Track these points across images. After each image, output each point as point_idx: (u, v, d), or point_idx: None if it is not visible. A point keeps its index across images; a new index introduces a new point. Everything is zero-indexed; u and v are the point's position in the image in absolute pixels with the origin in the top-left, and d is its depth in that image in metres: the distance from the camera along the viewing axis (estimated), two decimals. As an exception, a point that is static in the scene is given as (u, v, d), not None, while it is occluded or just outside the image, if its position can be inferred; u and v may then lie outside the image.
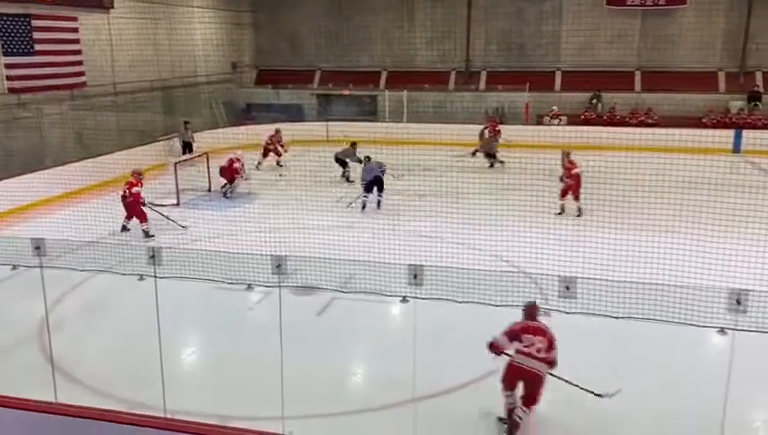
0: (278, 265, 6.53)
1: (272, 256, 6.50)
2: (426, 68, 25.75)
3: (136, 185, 12.35)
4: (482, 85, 25.40)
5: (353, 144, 17.07)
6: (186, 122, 20.52)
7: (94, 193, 14.47)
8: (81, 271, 9.74)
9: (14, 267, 10.02)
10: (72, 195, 14.25)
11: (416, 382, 5.85)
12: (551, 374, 6.17)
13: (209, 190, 15.78)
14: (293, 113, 24.54)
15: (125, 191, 12.29)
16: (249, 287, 9.60)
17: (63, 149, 17.08)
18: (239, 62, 26.96)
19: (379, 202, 14.17)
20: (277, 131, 19.24)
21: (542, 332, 6.09)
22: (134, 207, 12.23)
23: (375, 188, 14.18)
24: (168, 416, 5.40)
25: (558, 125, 22.98)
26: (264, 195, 15.39)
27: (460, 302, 8.17)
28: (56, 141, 17.24)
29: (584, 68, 24.22)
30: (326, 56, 26.76)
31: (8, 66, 15.97)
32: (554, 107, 23.54)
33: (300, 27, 26.69)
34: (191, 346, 8.67)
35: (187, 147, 19.83)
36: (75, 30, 17.71)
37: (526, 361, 6.01)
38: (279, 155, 19.08)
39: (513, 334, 6.13)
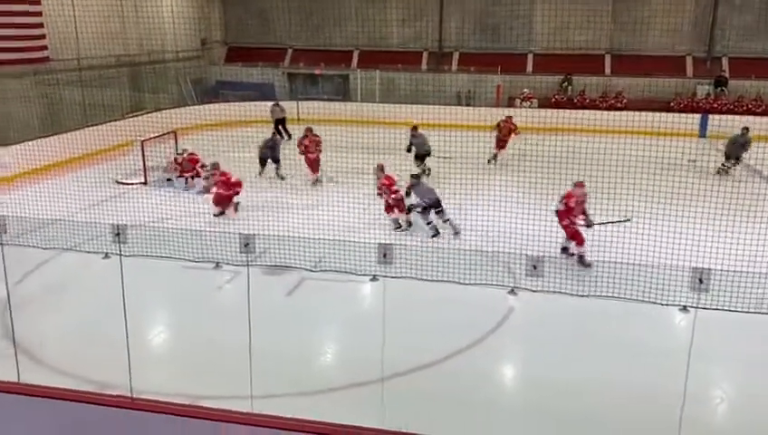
0: (246, 244, 6.48)
1: (240, 234, 6.44)
2: (399, 48, 25.59)
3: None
4: (454, 66, 25.36)
5: (415, 127, 15.60)
6: (276, 103, 20.63)
7: (59, 170, 14.13)
8: (45, 249, 9.54)
9: None
10: (36, 172, 13.90)
11: (384, 361, 5.88)
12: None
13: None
14: (265, 92, 24.23)
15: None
16: (217, 266, 9.51)
17: (27, 125, 16.60)
18: (208, 38, 26.46)
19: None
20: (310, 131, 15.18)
21: None
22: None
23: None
24: (135, 396, 5.34)
25: (529, 108, 23.09)
26: (233, 174, 15.18)
27: (429, 280, 8.22)
28: (19, 118, 16.74)
29: (556, 51, 24.32)
30: (297, 34, 26.38)
31: (-34, 39, 15.43)
32: (526, 89, 23.63)
33: (270, 3, 26.22)
34: (158, 326, 8.58)
35: (280, 123, 19.74)
36: (37, 2, 17.15)
37: None
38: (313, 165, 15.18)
39: None
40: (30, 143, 14.82)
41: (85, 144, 14.92)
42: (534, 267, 5.73)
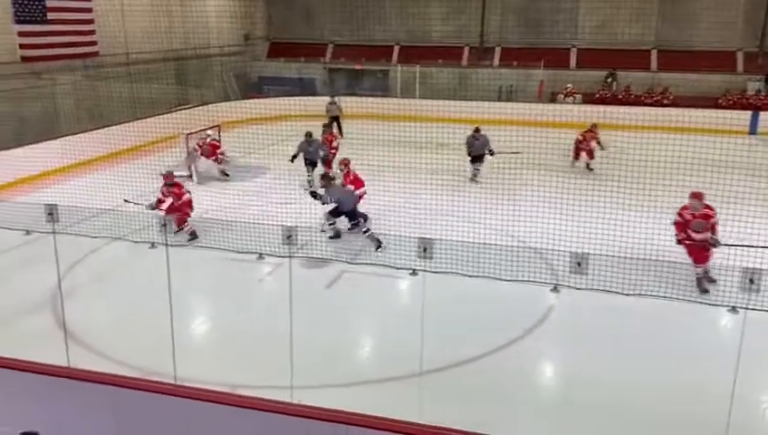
0: (288, 236, 6.56)
1: (282, 226, 6.51)
2: (440, 43, 25.47)
3: None
4: (496, 61, 25.11)
5: (477, 129, 14.75)
6: (332, 96, 20.71)
7: (107, 162, 14.52)
8: (94, 238, 9.81)
9: (28, 233, 10.11)
10: (85, 164, 14.31)
11: (423, 356, 5.87)
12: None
13: (224, 171, 15.66)
14: (305, 87, 24.41)
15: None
16: (260, 257, 9.64)
17: (77, 119, 17.11)
18: (252, 34, 26.78)
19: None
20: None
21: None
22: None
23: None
24: (178, 383, 5.46)
25: (572, 103, 22.73)
26: (275, 168, 15.36)
27: (470, 276, 8.16)
28: (69, 111, 17.27)
29: (601, 46, 23.85)
30: (339, 30, 26.50)
31: (21, 34, 15.95)
32: (569, 85, 23.26)
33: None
34: (202, 315, 8.75)
35: (335, 121, 19.73)
36: (89, -2, 17.65)
37: None
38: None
39: None
40: (80, 136, 15.27)
41: (132, 137, 15.27)
42: (579, 264, 5.63)
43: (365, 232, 10.27)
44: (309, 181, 13.74)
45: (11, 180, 12.71)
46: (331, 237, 10.65)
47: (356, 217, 10.39)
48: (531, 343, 7.67)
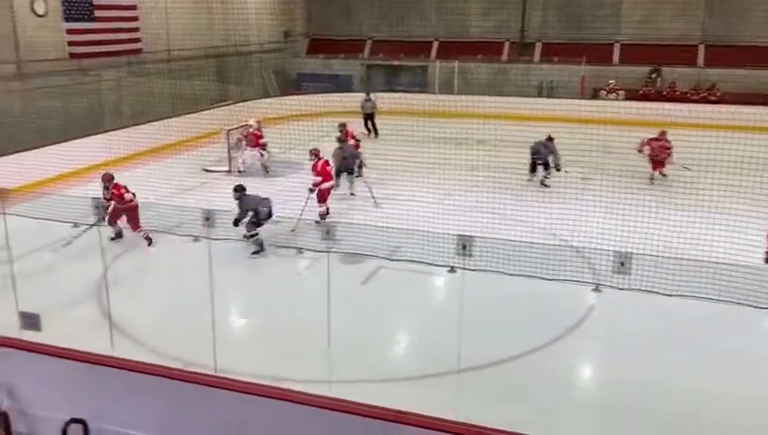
0: (327, 232, 6.60)
1: (321, 222, 6.54)
2: (479, 38, 25.23)
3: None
4: (536, 57, 24.77)
5: (549, 138, 14.02)
6: (367, 93, 20.43)
7: (150, 157, 14.82)
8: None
9: (76, 225, 10.37)
10: (129, 159, 14.62)
11: (461, 354, 5.84)
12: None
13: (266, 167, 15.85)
14: (343, 84, 24.48)
15: None
16: (299, 252, 9.71)
17: (121, 114, 17.51)
18: (291, 30, 26.98)
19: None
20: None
21: None
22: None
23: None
24: (219, 374, 5.53)
25: (615, 100, 22.28)
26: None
27: (509, 274, 8.07)
28: (113, 106, 17.69)
29: (645, 41, 23.31)
30: (378, 26, 26.49)
31: (69, 32, 16.39)
32: (611, 81, 22.81)
33: (353, -5, 26.51)
34: (241, 307, 8.87)
35: (369, 118, 19.73)
36: (133, -4, 18.04)
37: None
38: None
39: None
40: (123, 131, 15.62)
41: (174, 133, 15.55)
42: (622, 264, 5.52)
43: (251, 236, 9.92)
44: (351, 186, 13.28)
45: (58, 174, 13.06)
46: (254, 253, 10.02)
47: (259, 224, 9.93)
48: (571, 342, 7.56)
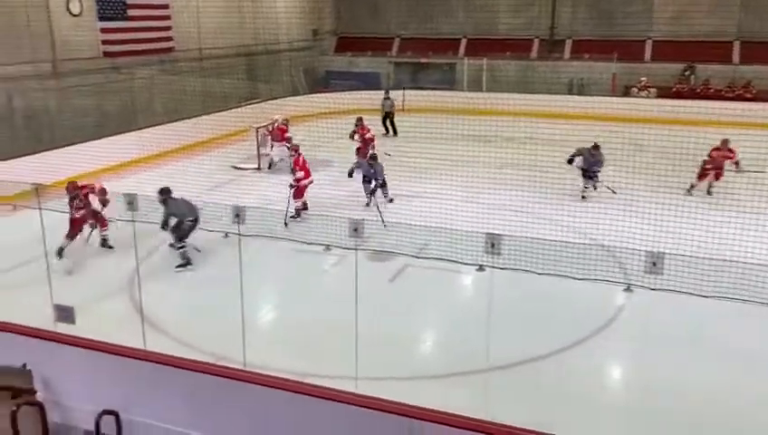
0: (355, 229, 6.60)
1: (349, 219, 6.56)
2: (507, 36, 25.03)
3: None
4: (566, 54, 24.50)
5: (596, 146, 12.92)
6: (386, 91, 20.08)
7: (181, 155, 15.03)
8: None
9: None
10: (161, 156, 14.85)
11: (489, 352, 5.81)
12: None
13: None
14: (370, 81, 24.52)
15: None
16: (327, 249, 9.77)
17: (153, 112, 17.80)
18: (320, 29, 27.11)
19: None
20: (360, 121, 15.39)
21: None
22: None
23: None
24: (248, 369, 5.60)
25: (647, 97, 21.92)
26: (340, 162, 15.51)
27: (539, 273, 8.00)
28: (146, 104, 17.98)
29: (678, 38, 22.88)
30: (406, 23, 26.45)
31: (103, 31, 16.70)
32: (643, 78, 22.43)
33: (381, -7, 26.52)
34: (270, 304, 8.95)
35: (388, 117, 19.36)
36: (166, -5, 18.32)
37: None
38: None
39: None
40: (156, 128, 15.87)
41: (205, 130, 15.75)
42: (654, 264, 5.43)
43: (178, 248, 9.67)
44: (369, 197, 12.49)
45: (92, 170, 13.33)
46: (179, 266, 9.62)
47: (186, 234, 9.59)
48: (600, 342, 7.48)
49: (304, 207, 11.61)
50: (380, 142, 15.97)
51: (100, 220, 10.13)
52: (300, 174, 11.33)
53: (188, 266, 9.63)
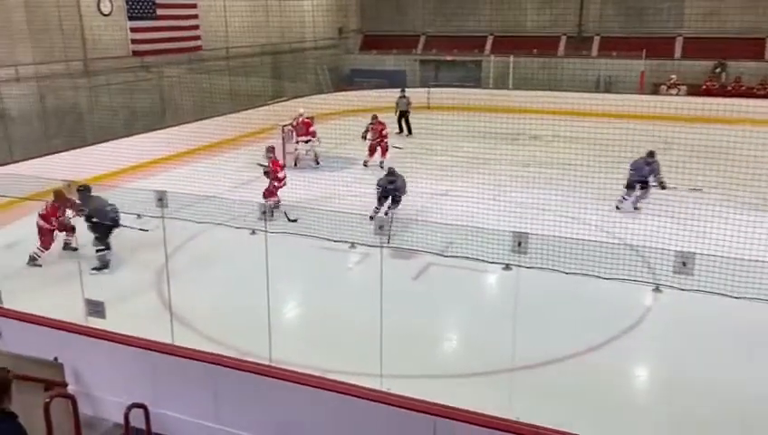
0: (380, 227, 6.62)
1: (375, 217, 6.58)
2: (534, 33, 24.83)
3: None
4: (594, 51, 24.21)
5: (651, 154, 12.14)
6: (402, 90, 19.70)
7: (209, 152, 15.18)
8: (199, 223, 10.28)
9: (139, 217, 10.71)
10: (189, 153, 15.03)
11: (516, 352, 5.78)
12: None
13: (317, 157, 16.07)
14: (395, 79, 24.51)
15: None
16: (352, 246, 9.79)
17: (181, 110, 18.02)
18: (345, 27, 27.17)
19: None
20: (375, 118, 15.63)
21: None
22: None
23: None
24: (273, 364, 5.65)
25: (676, 95, 21.57)
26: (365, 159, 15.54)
27: (566, 272, 7.93)
28: (174, 102, 18.22)
29: (709, 34, 22.45)
30: (431, 21, 26.40)
31: (133, 30, 16.95)
32: (673, 76, 22.08)
33: (406, -10, 26.49)
34: (295, 300, 9.01)
35: (403, 117, 19.27)
36: (194, -5, 18.53)
37: None
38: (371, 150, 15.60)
39: None
40: (184, 126, 16.07)
41: (231, 128, 15.89)
42: (684, 264, 5.34)
43: (97, 251, 9.36)
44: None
45: (123, 168, 13.55)
46: (94, 269, 9.32)
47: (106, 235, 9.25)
48: (628, 343, 7.39)
49: (277, 205, 11.58)
50: (359, 145, 16.01)
51: (70, 230, 9.93)
52: (282, 173, 11.47)
53: (104, 270, 9.40)
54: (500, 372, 6.38)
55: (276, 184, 11.71)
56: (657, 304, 8.18)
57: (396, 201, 11.16)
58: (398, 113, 19.37)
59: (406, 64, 26.00)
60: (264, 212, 6.35)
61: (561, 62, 23.85)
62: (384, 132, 15.33)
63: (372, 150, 15.34)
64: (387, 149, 15.25)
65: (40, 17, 14.90)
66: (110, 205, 9.47)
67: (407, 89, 20.32)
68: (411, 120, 19.27)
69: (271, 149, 12.02)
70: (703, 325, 7.57)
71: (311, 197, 11.73)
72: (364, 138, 15.43)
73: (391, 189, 11.05)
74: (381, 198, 11.20)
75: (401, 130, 19.24)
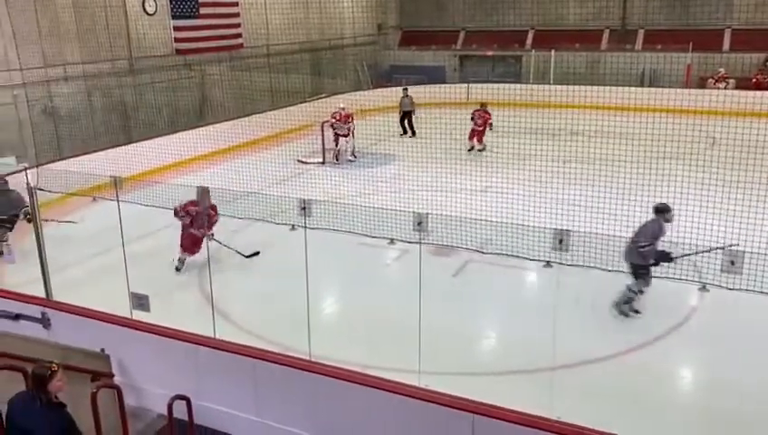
0: (419, 223, 6.59)
1: (413, 213, 6.55)
2: (576, 26, 24.38)
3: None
4: (638, 45, 23.64)
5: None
6: (405, 89, 18.90)
7: (251, 149, 15.38)
8: (240, 219, 10.42)
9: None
10: (231, 150, 15.25)
11: (556, 350, 5.70)
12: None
13: (353, 151, 16.16)
14: (434, 75, 24.39)
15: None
16: (391, 242, 9.80)
17: (223, 108, 18.31)
18: (384, 23, 27.17)
19: None
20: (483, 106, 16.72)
21: None
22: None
23: None
24: (313, 360, 5.70)
25: (724, 89, 20.90)
26: (403, 156, 15.53)
27: (609, 270, 7.78)
28: (216, 100, 18.52)
29: (760, 26, 21.68)
30: (471, 16, 26.17)
31: (176, 29, 17.27)
32: (721, 69, 21.40)
33: (446, -14, 26.32)
34: (334, 296, 9.06)
35: (407, 116, 18.60)
36: (236, -7, 18.76)
37: None
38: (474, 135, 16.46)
39: None
40: (225, 123, 16.31)
41: (272, 125, 16.06)
42: (732, 263, 5.18)
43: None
44: None
45: (167, 164, 13.83)
46: None
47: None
48: (672, 342, 7.21)
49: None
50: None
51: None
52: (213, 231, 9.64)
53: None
54: (540, 371, 6.30)
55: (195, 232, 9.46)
56: (704, 302, 7.96)
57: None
58: (401, 114, 18.59)
59: (445, 60, 25.85)
60: (304, 208, 6.39)
61: (603, 56, 23.37)
62: (489, 122, 16.23)
63: (476, 136, 16.18)
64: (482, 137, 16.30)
65: (87, 17, 15.32)
66: (16, 201, 9.44)
67: (444, 84, 20.42)
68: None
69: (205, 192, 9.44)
70: (750, 326, 7.33)
71: (350, 192, 11.79)
72: (472, 119, 16.22)
73: None
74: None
75: (404, 131, 18.55)
